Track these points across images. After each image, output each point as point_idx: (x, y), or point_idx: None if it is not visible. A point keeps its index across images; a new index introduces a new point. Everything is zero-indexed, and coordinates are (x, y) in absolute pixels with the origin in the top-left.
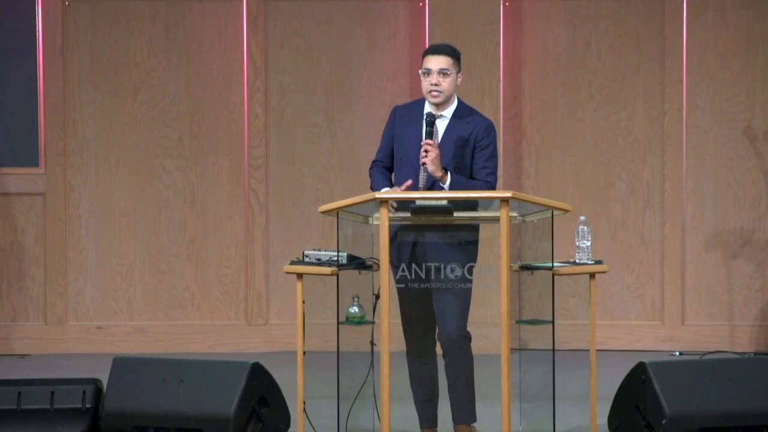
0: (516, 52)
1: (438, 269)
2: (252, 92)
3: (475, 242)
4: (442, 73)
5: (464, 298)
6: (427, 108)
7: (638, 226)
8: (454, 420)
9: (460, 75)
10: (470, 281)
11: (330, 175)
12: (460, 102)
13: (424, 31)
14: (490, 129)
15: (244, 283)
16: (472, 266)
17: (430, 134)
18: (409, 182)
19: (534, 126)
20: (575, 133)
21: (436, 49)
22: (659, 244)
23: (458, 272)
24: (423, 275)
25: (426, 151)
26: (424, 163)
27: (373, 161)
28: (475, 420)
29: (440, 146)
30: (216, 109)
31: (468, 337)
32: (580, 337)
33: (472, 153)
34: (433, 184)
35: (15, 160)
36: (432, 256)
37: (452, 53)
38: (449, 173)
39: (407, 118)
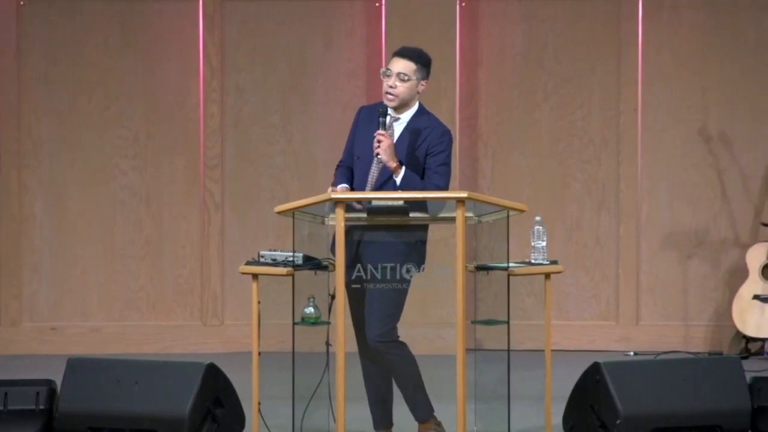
0: (472, 53)
1: (393, 269)
2: (208, 92)
3: (425, 242)
4: (400, 77)
5: (393, 301)
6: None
7: (593, 227)
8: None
9: (423, 82)
10: (407, 282)
11: (286, 176)
12: (420, 107)
13: (381, 31)
14: (444, 135)
15: (200, 284)
16: (423, 267)
17: (383, 125)
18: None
19: (490, 126)
20: (531, 133)
21: (401, 52)
22: (614, 245)
23: (414, 272)
24: (379, 276)
25: (379, 141)
26: (377, 154)
27: (339, 163)
28: (432, 412)
29: (395, 146)
30: (172, 109)
31: (393, 340)
32: (535, 338)
33: (424, 158)
34: (386, 182)
35: None
36: (386, 256)
37: (418, 59)
38: (404, 167)
39: (368, 118)
